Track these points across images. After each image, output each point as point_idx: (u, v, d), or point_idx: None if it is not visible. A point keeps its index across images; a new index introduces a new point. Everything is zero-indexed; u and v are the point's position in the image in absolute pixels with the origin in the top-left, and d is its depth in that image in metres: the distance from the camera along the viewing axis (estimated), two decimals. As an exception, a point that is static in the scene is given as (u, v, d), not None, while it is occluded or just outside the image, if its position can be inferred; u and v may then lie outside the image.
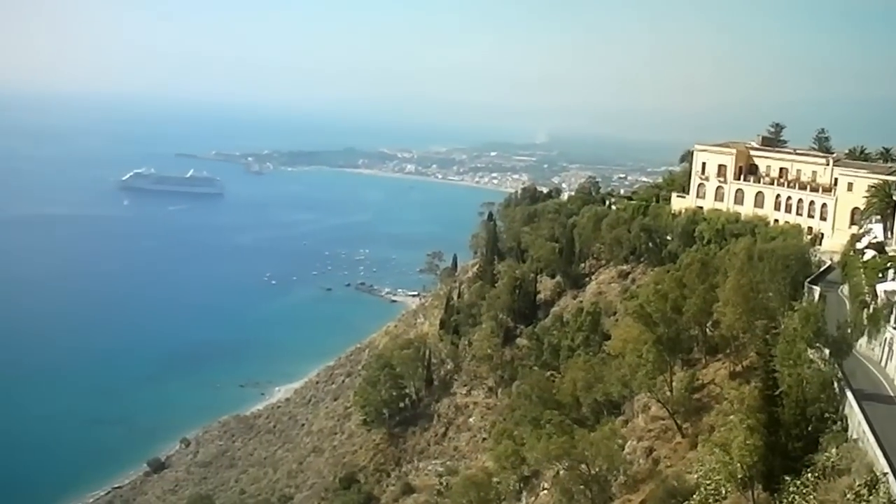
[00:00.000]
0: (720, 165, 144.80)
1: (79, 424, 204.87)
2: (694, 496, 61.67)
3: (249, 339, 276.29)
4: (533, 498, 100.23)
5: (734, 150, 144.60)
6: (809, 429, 60.11)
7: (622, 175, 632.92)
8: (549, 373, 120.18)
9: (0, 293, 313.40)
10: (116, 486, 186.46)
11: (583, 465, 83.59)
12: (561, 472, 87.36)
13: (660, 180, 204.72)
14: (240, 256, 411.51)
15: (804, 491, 50.15)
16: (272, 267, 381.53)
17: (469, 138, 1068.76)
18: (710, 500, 59.52)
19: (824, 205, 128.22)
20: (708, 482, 60.19)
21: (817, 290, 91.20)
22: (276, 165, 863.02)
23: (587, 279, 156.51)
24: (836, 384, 63.33)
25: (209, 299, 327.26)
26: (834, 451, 55.53)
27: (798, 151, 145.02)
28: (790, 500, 50.50)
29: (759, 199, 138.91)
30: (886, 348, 71.70)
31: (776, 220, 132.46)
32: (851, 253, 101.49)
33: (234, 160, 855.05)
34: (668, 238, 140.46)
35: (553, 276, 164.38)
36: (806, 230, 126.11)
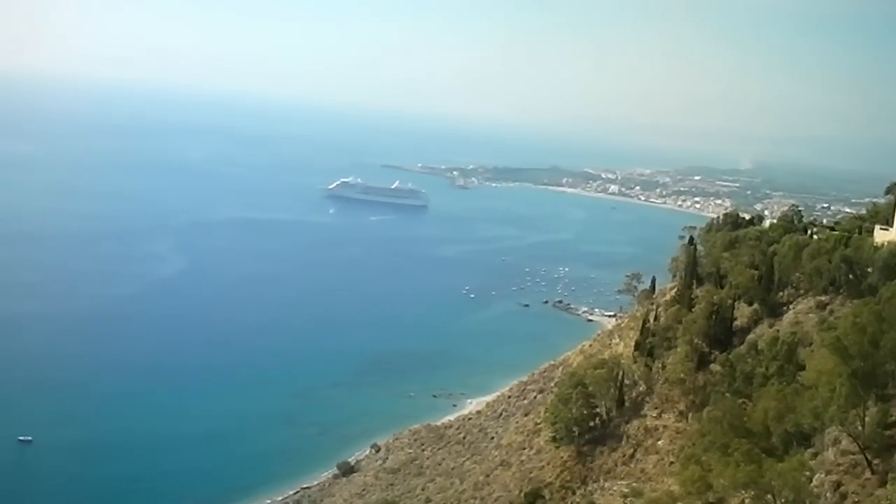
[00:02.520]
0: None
1: (276, 424, 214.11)
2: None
3: (445, 351, 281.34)
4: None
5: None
6: None
7: (825, 205, 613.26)
8: (740, 400, 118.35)
9: (215, 294, 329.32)
10: (306, 486, 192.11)
11: (769, 495, 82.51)
12: (746, 501, 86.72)
13: (863, 211, 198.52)
14: (440, 269, 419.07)
15: None
16: (472, 280, 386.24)
17: (673, 161, 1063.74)
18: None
19: None
20: (895, 520, 59.38)
21: None
22: (481, 180, 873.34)
23: (785, 308, 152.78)
24: None
25: (408, 309, 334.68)
26: None
27: None
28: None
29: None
30: None
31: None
32: None
33: (440, 174, 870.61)
34: (869, 271, 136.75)
35: (750, 304, 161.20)
36: None
